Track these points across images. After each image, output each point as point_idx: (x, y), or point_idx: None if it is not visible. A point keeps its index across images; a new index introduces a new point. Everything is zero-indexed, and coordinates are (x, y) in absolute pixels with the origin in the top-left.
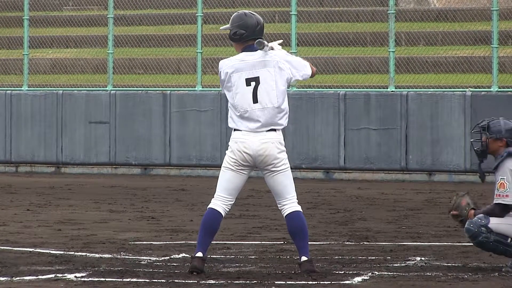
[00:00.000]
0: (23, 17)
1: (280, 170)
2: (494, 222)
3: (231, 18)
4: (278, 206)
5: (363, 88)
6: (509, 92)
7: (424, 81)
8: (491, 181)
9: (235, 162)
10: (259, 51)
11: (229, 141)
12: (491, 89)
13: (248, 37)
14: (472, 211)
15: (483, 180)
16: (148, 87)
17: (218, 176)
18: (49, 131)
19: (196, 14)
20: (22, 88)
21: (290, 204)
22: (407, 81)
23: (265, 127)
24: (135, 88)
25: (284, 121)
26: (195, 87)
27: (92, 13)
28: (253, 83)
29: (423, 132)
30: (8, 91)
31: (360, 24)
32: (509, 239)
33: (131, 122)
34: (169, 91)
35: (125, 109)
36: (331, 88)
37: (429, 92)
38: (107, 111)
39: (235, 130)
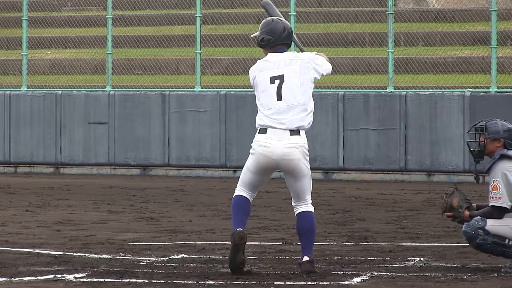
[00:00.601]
0: (22, 18)
1: (302, 174)
2: (491, 224)
3: (260, 24)
4: (292, 204)
5: (362, 88)
6: (508, 93)
7: (423, 82)
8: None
9: (256, 167)
10: (285, 52)
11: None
12: (490, 90)
13: (275, 43)
14: (467, 212)
15: (478, 181)
16: (147, 88)
17: (217, 177)
18: (48, 132)
19: (195, 15)
20: (21, 89)
21: (304, 204)
22: (406, 81)
23: (289, 126)
24: (134, 89)
25: (308, 121)
26: (194, 88)
27: (91, 13)
28: (277, 81)
29: (422, 133)
30: (7, 92)
31: (359, 25)
32: (507, 240)
33: (130, 122)
34: (168, 92)
35: (124, 109)
36: (330, 89)
37: (428, 93)
38: (106, 111)
39: (259, 132)
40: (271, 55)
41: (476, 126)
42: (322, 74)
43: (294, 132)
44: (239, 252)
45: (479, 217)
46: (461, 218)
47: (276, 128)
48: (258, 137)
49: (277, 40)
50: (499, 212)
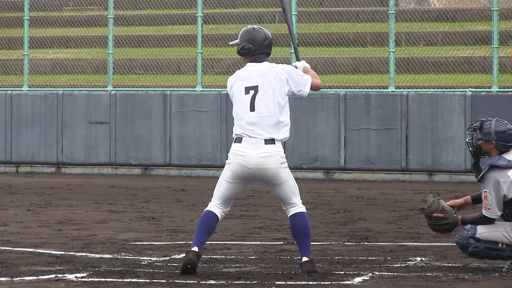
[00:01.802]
0: (23, 17)
1: (282, 181)
2: (481, 232)
3: (240, 32)
4: (283, 208)
5: (363, 88)
6: (509, 92)
7: (424, 81)
8: None
9: (232, 176)
10: (264, 62)
11: (227, 144)
12: (492, 89)
13: (255, 52)
14: (460, 216)
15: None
16: (148, 88)
17: (218, 177)
18: (50, 132)
19: (196, 14)
20: (23, 89)
21: (295, 206)
22: (407, 81)
23: (262, 137)
24: (135, 89)
25: (283, 134)
26: (195, 87)
27: (92, 13)
28: (251, 92)
29: (424, 132)
30: (8, 92)
31: (360, 24)
32: (500, 244)
33: (131, 122)
34: (169, 91)
35: (125, 109)
36: (331, 88)
37: (429, 92)
38: (107, 111)
39: (235, 142)
40: (249, 65)
41: (472, 126)
42: (293, 92)
43: (269, 141)
44: (188, 273)
45: (469, 225)
46: (454, 219)
47: (250, 137)
48: (234, 146)
49: (257, 49)
50: (488, 221)
